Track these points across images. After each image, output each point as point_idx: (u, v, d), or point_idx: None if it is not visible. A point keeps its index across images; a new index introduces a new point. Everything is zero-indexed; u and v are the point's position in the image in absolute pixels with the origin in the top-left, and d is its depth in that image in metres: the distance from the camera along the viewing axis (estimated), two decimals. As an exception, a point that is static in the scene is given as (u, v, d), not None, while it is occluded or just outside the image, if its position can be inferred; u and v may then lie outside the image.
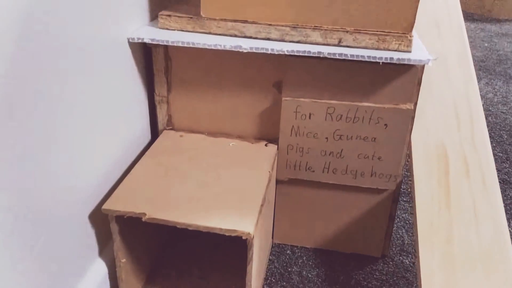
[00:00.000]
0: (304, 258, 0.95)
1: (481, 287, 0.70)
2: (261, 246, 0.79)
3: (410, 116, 0.81)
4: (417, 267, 0.74)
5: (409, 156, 0.88)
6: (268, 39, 0.80)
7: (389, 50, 0.77)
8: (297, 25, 0.78)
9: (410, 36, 0.76)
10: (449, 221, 0.78)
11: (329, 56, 0.76)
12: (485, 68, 2.03)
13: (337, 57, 0.76)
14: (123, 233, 0.72)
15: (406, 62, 0.75)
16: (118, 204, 0.69)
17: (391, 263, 0.95)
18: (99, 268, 0.75)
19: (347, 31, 0.77)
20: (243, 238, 0.66)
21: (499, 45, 2.35)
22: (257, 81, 0.84)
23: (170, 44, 0.79)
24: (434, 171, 0.86)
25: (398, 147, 0.84)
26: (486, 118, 0.97)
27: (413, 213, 1.05)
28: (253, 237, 0.66)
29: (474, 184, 0.84)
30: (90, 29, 0.66)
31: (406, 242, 1.01)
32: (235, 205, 0.71)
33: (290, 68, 0.80)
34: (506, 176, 1.27)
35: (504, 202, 1.07)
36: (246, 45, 0.77)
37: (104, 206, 0.69)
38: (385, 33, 0.76)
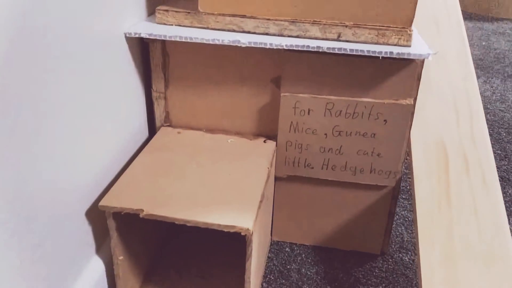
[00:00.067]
0: (303, 255, 0.94)
1: (482, 283, 0.69)
2: (260, 243, 0.78)
3: (409, 112, 0.80)
4: (417, 264, 0.73)
5: (408, 153, 0.88)
6: (267, 34, 0.79)
7: (389, 44, 0.76)
8: (296, 19, 0.78)
9: (410, 31, 0.75)
10: (449, 218, 0.78)
11: (328, 51, 0.76)
12: (482, 66, 2.03)
13: (336, 51, 0.75)
14: (121, 230, 0.71)
15: (406, 57, 0.74)
16: (116, 201, 0.68)
17: (390, 260, 0.94)
18: (96, 266, 0.74)
19: (346, 26, 0.76)
20: (242, 234, 0.65)
21: (496, 44, 2.35)
22: (256, 77, 0.84)
23: (167, 39, 0.78)
24: (433, 168, 0.85)
25: (397, 143, 0.83)
26: (485, 116, 0.97)
27: (412, 210, 1.05)
28: (252, 233, 0.65)
29: (474, 181, 0.84)
30: (86, 24, 0.65)
31: (406, 239, 1.00)
32: (233, 201, 0.70)
33: (289, 63, 0.80)
34: (505, 174, 1.27)
35: (503, 200, 1.06)
36: (245, 39, 0.76)
37: (101, 203, 0.68)
38: (385, 28, 0.76)
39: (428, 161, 0.86)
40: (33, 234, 0.58)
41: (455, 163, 0.86)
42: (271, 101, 0.85)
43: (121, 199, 0.68)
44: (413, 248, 0.98)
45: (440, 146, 0.89)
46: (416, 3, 0.74)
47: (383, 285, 0.88)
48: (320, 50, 0.76)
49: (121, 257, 0.73)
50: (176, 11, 0.81)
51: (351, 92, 0.80)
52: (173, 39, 0.78)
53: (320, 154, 0.86)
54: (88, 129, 0.69)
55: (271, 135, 0.88)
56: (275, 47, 0.76)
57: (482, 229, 0.76)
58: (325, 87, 0.81)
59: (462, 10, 1.24)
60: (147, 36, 0.78)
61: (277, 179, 0.90)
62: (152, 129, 0.92)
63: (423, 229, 0.76)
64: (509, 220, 1.07)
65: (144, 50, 0.85)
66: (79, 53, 0.64)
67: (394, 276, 0.90)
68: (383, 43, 0.77)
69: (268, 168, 0.79)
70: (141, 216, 0.67)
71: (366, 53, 0.75)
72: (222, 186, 0.73)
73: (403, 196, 1.14)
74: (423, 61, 0.77)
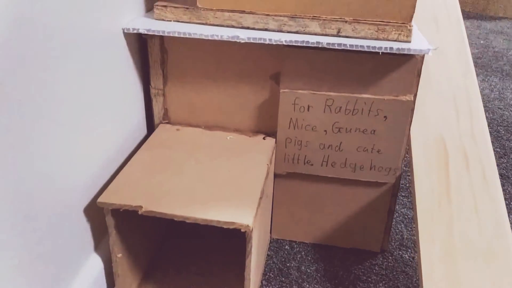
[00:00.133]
0: (303, 253, 0.94)
1: (483, 279, 0.69)
2: (260, 240, 0.77)
3: (410, 108, 0.80)
4: (417, 261, 0.73)
5: (408, 150, 0.87)
6: (266, 29, 0.79)
7: (389, 40, 0.76)
8: (295, 15, 0.77)
9: (410, 26, 0.75)
10: (450, 214, 0.77)
11: (328, 46, 0.75)
12: (481, 64, 2.03)
13: (336, 47, 0.75)
14: (119, 227, 0.71)
15: (406, 52, 0.74)
16: (114, 197, 0.68)
17: (390, 257, 0.94)
18: (95, 263, 0.74)
19: (346, 21, 0.76)
20: (242, 230, 0.64)
21: (494, 42, 2.35)
22: (255, 73, 0.83)
23: (166, 34, 0.77)
24: (433, 164, 0.85)
25: (397, 139, 0.83)
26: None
27: (412, 207, 1.04)
28: (252, 229, 0.65)
29: (474, 177, 0.83)
30: (83, 19, 0.65)
31: (405, 236, 1.00)
32: (233, 197, 0.69)
33: (288, 59, 0.79)
34: (504, 171, 1.27)
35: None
36: (244, 35, 0.76)
37: (100, 199, 0.67)
38: (385, 23, 0.75)
39: (428, 158, 0.86)
40: (31, 232, 0.57)
41: (455, 159, 0.86)
42: (270, 98, 0.85)
43: (119, 196, 0.68)
44: (413, 245, 0.97)
45: (440, 143, 0.88)
46: (416, -2, 0.74)
47: (383, 282, 0.88)
48: (320, 46, 0.75)
49: (119, 255, 0.72)
50: (174, 7, 0.80)
51: (351, 88, 0.80)
52: (171, 35, 0.77)
53: (319, 150, 0.86)
54: (86, 126, 0.68)
55: (270, 132, 0.87)
56: (274, 43, 0.76)
57: (482, 225, 0.76)
58: (324, 83, 0.80)
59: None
60: (145, 32, 0.77)
61: (276, 176, 0.90)
62: (151, 126, 0.91)
63: (423, 226, 0.76)
64: (508, 217, 1.07)
65: (142, 47, 0.84)
66: (76, 49, 0.63)
67: (394, 273, 0.90)
68: (383, 39, 0.76)
69: (267, 164, 0.78)
70: (140, 212, 0.66)
71: (366, 49, 0.74)
72: (222, 182, 0.73)
73: (403, 194, 1.14)
74: (423, 57, 0.77)
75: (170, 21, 0.81)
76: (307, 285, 0.86)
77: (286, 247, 0.95)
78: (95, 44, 0.68)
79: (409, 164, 0.89)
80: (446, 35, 1.13)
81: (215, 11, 0.79)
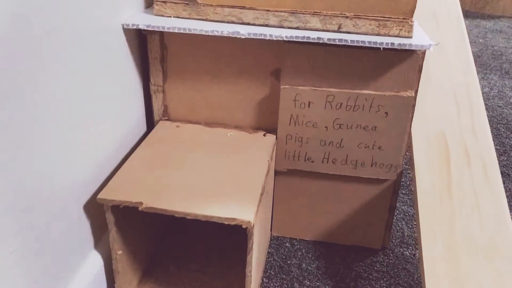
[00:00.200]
0: (304, 250, 0.93)
1: (484, 275, 0.68)
2: (261, 237, 0.77)
3: (411, 104, 0.80)
4: (419, 257, 0.72)
5: (408, 146, 0.87)
6: (266, 25, 0.78)
7: (390, 35, 0.76)
8: (296, 11, 0.77)
9: (411, 21, 0.75)
10: (451, 211, 0.77)
11: (328, 42, 0.75)
12: (480, 63, 2.03)
13: (337, 42, 0.74)
14: (119, 224, 0.70)
15: (407, 48, 0.73)
16: (114, 193, 0.67)
17: (391, 255, 0.94)
18: (95, 261, 0.73)
19: (346, 17, 0.76)
20: (243, 226, 0.64)
21: (493, 41, 2.35)
22: (255, 69, 0.83)
23: (165, 30, 0.77)
24: (435, 160, 0.85)
25: (398, 136, 0.82)
26: (484, 111, 0.98)
27: (413, 203, 1.04)
28: (253, 225, 0.64)
29: (475, 173, 0.83)
30: (82, 15, 0.64)
31: (406, 234, 0.99)
32: (234, 194, 0.69)
33: (289, 55, 0.79)
34: (504, 169, 1.27)
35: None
36: (244, 31, 0.75)
37: (100, 196, 0.67)
38: (386, 18, 0.75)
39: (429, 154, 0.85)
40: (30, 229, 0.57)
41: (456, 156, 0.85)
42: (270, 94, 0.84)
43: (120, 192, 0.67)
44: (413, 242, 0.97)
45: (441, 139, 0.88)
46: (417, -7, 0.73)
47: (384, 279, 0.87)
48: (321, 42, 0.75)
49: (120, 252, 0.72)
50: (174, 3, 0.80)
51: (352, 84, 0.80)
52: (171, 31, 0.77)
53: (320, 147, 0.85)
54: (85, 123, 0.68)
55: (270, 129, 0.87)
56: (275, 39, 0.76)
57: (484, 221, 0.76)
58: (325, 79, 0.80)
59: (458, 7, 1.24)
60: (145, 28, 0.77)
61: (276, 173, 0.89)
62: (150, 123, 0.91)
63: (425, 222, 0.76)
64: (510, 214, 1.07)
65: (142, 43, 0.84)
66: (75, 45, 0.63)
67: (395, 270, 0.90)
68: (384, 34, 0.76)
69: (268, 161, 0.78)
70: (140, 209, 0.65)
71: (367, 44, 0.74)
72: (222, 179, 0.72)
73: (403, 191, 1.14)
74: (424, 53, 0.76)
75: (170, 17, 0.81)
76: (308, 283, 0.85)
77: (287, 244, 0.95)
78: (94, 40, 0.68)
79: (409, 161, 0.89)
80: (446, 32, 1.12)
81: (215, 7, 0.79)
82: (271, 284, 0.85)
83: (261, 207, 0.70)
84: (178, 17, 0.81)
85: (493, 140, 1.38)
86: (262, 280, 0.85)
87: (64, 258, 0.66)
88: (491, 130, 1.44)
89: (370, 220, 0.92)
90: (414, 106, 0.81)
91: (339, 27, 0.76)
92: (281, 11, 0.77)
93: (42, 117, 0.57)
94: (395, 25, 0.75)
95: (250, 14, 0.78)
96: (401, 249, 0.95)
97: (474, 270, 0.69)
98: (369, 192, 0.89)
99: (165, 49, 0.83)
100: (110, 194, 0.67)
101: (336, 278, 0.87)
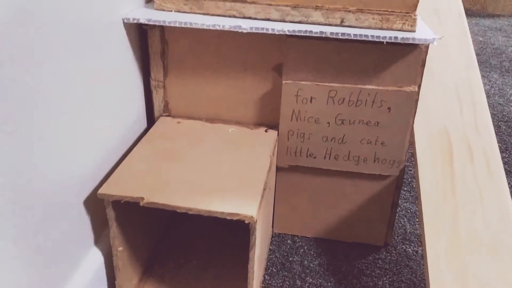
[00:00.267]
0: (305, 247, 0.93)
1: (489, 271, 0.68)
2: (263, 233, 0.76)
3: (414, 99, 0.79)
4: (423, 254, 0.72)
5: (411, 142, 0.86)
6: (268, 19, 0.78)
7: (393, 30, 0.75)
8: (298, 4, 0.76)
9: (414, 15, 0.74)
10: (455, 207, 0.76)
11: (331, 36, 0.74)
12: (480, 61, 2.02)
13: (340, 37, 0.74)
14: (120, 219, 0.69)
15: (410, 42, 0.73)
16: (115, 188, 0.66)
17: (394, 251, 0.93)
18: (95, 257, 0.72)
19: (349, 11, 0.75)
20: (246, 222, 0.63)
21: (493, 39, 2.35)
22: (257, 64, 0.82)
23: (166, 24, 0.76)
24: (437, 156, 0.84)
25: (401, 131, 0.82)
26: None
27: (417, 199, 1.03)
28: (256, 221, 0.63)
29: (478, 169, 0.82)
30: (82, 9, 0.63)
31: (409, 230, 0.99)
32: (236, 189, 0.68)
33: (291, 50, 0.78)
34: (506, 166, 1.26)
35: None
36: (246, 25, 0.75)
37: (100, 191, 0.66)
38: (389, 12, 0.74)
39: (432, 150, 0.85)
40: (30, 225, 0.56)
41: (459, 151, 0.85)
42: (272, 89, 0.84)
43: (120, 187, 0.67)
44: (416, 239, 0.96)
45: (444, 135, 0.88)
46: (420, -13, 0.73)
47: (387, 276, 0.87)
48: (323, 36, 0.74)
49: (120, 248, 0.71)
50: (175, -3, 0.79)
51: (355, 79, 0.79)
52: (172, 25, 0.76)
53: (322, 143, 0.85)
54: (85, 118, 0.67)
55: (272, 125, 0.86)
56: (277, 33, 0.75)
57: (487, 217, 0.75)
58: (328, 74, 0.79)
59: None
60: (146, 22, 0.76)
61: (278, 169, 0.89)
62: (151, 119, 0.90)
63: (428, 219, 0.75)
64: (512, 211, 1.06)
65: (142, 38, 0.83)
66: (74, 40, 0.62)
67: (398, 267, 0.89)
68: (387, 28, 0.75)
69: (270, 156, 0.77)
70: (141, 204, 0.65)
71: (370, 39, 0.73)
72: (224, 174, 0.72)
73: (405, 188, 1.13)
74: (427, 47, 0.76)
75: (171, 11, 0.80)
76: (310, 280, 0.85)
77: (289, 241, 0.94)
78: (94, 35, 0.67)
79: (412, 157, 0.88)
80: (448, 28, 1.12)
81: (216, 1, 0.78)
82: (273, 281, 0.84)
83: (263, 202, 0.70)
84: (179, 12, 0.80)
85: (494, 137, 1.38)
86: (264, 277, 0.85)
87: (64, 255, 0.65)
88: (492, 128, 1.44)
89: (372, 217, 0.91)
90: (417, 101, 0.80)
91: (342, 21, 0.76)
92: (283, 5, 0.76)
93: (42, 113, 0.56)
94: (398, 19, 0.74)
95: (252, 8, 0.77)
96: (403, 246, 0.94)
97: (478, 266, 0.68)
98: (371, 188, 0.89)
99: (166, 44, 0.82)
100: (111, 189, 0.66)
101: (338, 275, 0.86)
